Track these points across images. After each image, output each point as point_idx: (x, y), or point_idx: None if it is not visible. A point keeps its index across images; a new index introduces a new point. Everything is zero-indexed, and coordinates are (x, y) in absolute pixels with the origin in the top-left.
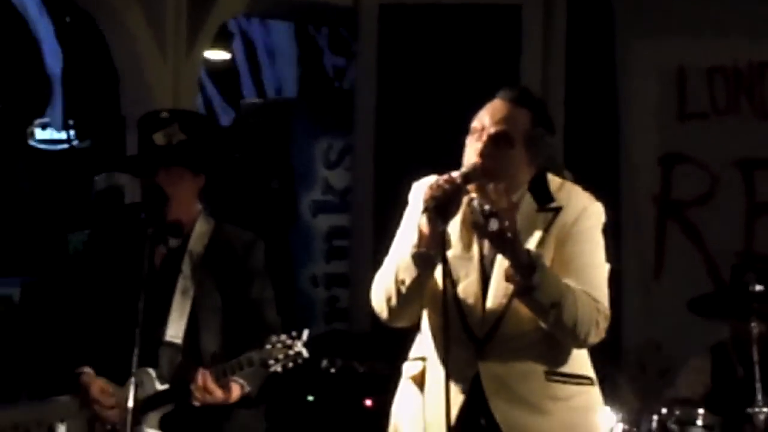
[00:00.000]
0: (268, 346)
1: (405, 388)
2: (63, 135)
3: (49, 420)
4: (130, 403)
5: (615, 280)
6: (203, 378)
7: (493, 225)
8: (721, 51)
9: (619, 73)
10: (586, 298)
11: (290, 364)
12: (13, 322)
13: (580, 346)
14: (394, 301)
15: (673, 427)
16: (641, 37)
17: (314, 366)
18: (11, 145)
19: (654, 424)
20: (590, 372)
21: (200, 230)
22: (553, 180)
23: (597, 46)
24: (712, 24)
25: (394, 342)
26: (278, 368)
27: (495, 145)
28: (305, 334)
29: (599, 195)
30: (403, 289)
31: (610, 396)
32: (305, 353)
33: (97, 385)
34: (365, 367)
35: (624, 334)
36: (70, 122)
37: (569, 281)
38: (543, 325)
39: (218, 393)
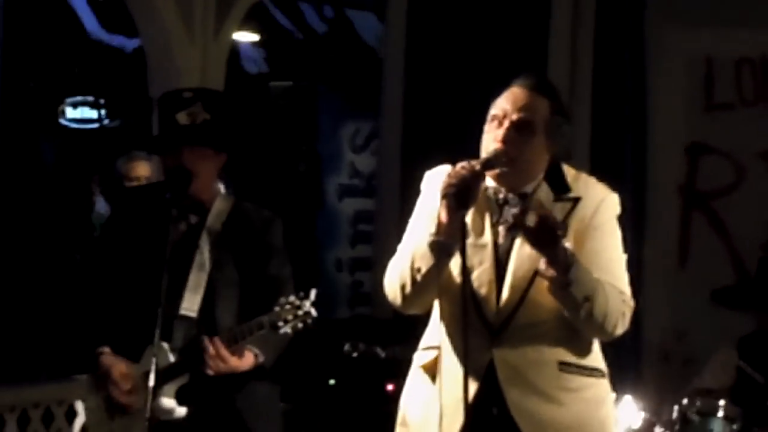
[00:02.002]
0: (277, 308)
1: (415, 377)
2: (94, 114)
3: (70, 398)
4: (152, 381)
5: (638, 269)
6: (214, 345)
7: (531, 220)
8: (750, 42)
9: (647, 61)
10: (613, 290)
11: (300, 325)
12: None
13: (607, 338)
14: (408, 289)
15: (694, 417)
16: (670, 26)
17: (336, 350)
18: (41, 124)
19: (675, 414)
20: (602, 364)
21: (219, 207)
22: (569, 170)
23: (625, 34)
24: (740, 15)
25: (417, 328)
26: (288, 329)
27: (517, 132)
28: (312, 293)
29: (625, 184)
30: (419, 277)
31: (631, 385)
32: (314, 313)
33: (118, 369)
34: (387, 352)
35: (647, 324)
36: (101, 101)
37: (596, 275)
38: (572, 319)
39: (230, 360)
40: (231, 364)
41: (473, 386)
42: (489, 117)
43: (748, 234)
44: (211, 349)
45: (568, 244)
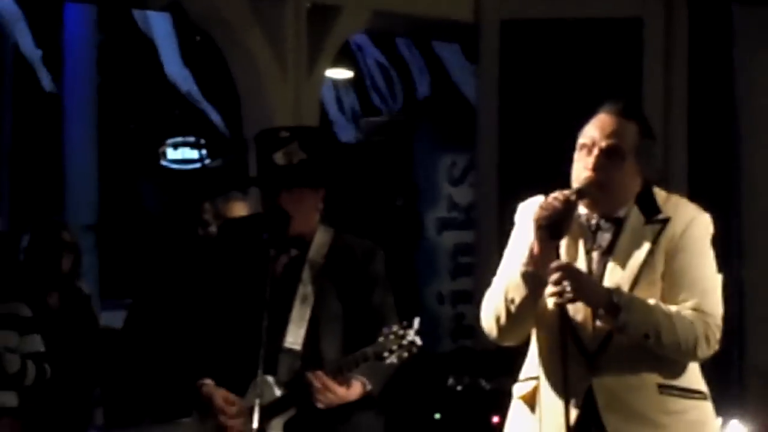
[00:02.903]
0: (381, 339)
1: (516, 409)
2: (195, 154)
3: None
4: (256, 415)
5: (739, 292)
6: (319, 379)
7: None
8: None
9: (739, 85)
10: (688, 315)
11: (405, 354)
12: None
13: (693, 360)
14: (504, 320)
15: None
16: (762, 48)
17: (441, 383)
18: (142, 166)
19: None
20: (703, 386)
21: (320, 240)
22: (659, 193)
23: (718, 59)
24: None
25: (521, 359)
26: (394, 359)
27: (607, 158)
28: (416, 322)
29: (723, 207)
30: (513, 309)
31: (737, 409)
32: (418, 341)
33: (221, 395)
34: (492, 384)
35: (749, 347)
36: (202, 141)
37: (682, 294)
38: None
39: (339, 390)
40: (340, 395)
41: (573, 413)
42: (578, 145)
43: None
44: (317, 383)
45: (612, 286)
